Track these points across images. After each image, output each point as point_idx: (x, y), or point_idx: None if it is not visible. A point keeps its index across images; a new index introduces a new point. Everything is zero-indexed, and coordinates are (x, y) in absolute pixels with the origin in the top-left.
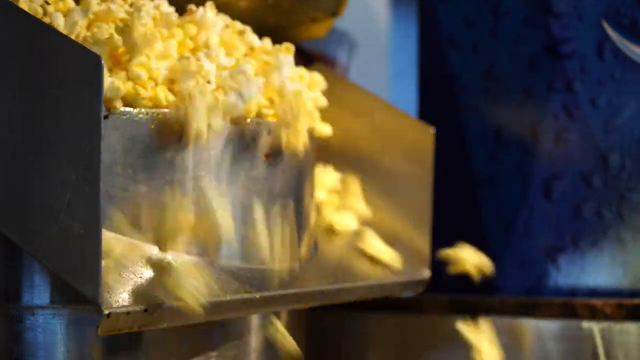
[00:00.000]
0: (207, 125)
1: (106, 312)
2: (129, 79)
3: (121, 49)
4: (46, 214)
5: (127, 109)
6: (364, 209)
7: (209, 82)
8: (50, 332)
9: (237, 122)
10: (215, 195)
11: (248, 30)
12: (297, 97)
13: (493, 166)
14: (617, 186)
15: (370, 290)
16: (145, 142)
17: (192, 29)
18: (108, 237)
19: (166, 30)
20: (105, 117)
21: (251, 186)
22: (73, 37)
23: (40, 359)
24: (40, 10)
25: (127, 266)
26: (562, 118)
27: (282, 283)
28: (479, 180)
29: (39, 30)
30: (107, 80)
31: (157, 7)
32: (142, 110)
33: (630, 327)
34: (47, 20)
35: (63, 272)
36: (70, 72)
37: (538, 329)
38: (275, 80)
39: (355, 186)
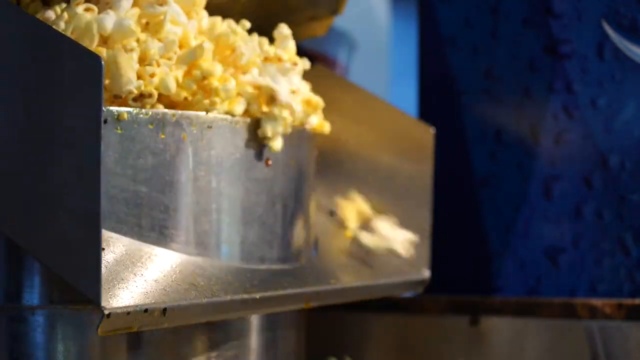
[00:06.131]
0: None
1: (106, 312)
2: None
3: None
4: (46, 214)
5: (127, 108)
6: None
7: None
8: (50, 332)
9: (238, 121)
10: None
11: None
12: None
13: (493, 166)
14: (617, 187)
15: (370, 290)
16: (145, 142)
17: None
18: (108, 237)
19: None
20: (105, 118)
21: (251, 186)
22: None
23: (40, 359)
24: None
25: (127, 266)
26: (562, 118)
27: (282, 283)
28: (479, 180)
29: (40, 31)
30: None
31: None
32: (142, 110)
33: (630, 327)
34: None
35: (63, 272)
36: (71, 72)
37: (538, 329)
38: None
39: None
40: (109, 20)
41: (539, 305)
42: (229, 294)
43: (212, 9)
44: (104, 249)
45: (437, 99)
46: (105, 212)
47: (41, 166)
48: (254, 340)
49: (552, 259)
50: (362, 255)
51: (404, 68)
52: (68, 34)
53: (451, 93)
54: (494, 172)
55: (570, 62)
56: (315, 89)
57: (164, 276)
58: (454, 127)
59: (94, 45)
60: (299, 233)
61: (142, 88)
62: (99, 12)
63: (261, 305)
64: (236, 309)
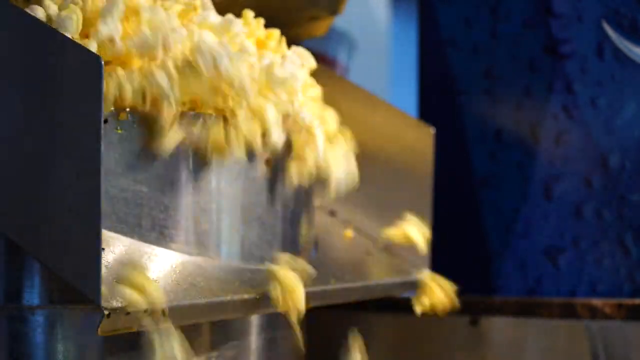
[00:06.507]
0: None
1: (106, 312)
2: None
3: None
4: (46, 214)
5: (128, 108)
6: None
7: None
8: (50, 332)
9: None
10: None
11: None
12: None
13: (493, 166)
14: (617, 187)
15: (370, 290)
16: (146, 142)
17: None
18: (108, 237)
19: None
20: (105, 118)
21: (251, 186)
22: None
23: (40, 359)
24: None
25: (127, 266)
26: (562, 118)
27: None
28: (479, 180)
29: (40, 31)
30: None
31: None
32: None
33: (630, 327)
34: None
35: (63, 272)
36: (71, 72)
37: (538, 329)
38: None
39: None
40: None
41: (539, 305)
42: (229, 294)
43: None
44: (104, 249)
45: (437, 99)
46: (105, 212)
47: (41, 166)
48: (254, 340)
49: (552, 259)
50: (362, 256)
51: (404, 68)
52: None
53: (451, 93)
54: (494, 172)
55: (570, 62)
56: None
57: (164, 276)
58: (454, 127)
59: None
60: (299, 233)
61: None
62: None
63: (261, 305)
64: (236, 309)
